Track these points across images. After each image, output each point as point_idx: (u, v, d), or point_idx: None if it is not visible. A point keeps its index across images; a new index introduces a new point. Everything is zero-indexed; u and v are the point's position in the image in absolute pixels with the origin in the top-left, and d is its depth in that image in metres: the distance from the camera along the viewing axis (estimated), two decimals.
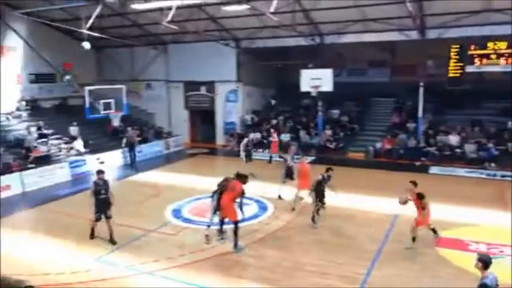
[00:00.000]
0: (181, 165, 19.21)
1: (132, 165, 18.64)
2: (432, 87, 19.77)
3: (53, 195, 14.05)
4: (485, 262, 5.12)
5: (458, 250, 9.02)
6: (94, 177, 9.99)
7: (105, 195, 9.56)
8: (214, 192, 9.71)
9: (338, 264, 8.53)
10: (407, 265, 8.42)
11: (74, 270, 8.34)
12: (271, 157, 18.57)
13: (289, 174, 12.85)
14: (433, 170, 17.04)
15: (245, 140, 16.95)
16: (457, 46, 17.84)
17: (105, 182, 9.74)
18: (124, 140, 19.13)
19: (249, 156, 16.34)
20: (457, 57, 17.94)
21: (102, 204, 9.53)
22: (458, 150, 18.01)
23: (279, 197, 12.77)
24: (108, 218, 9.59)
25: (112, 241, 9.64)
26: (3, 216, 12.14)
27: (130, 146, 19.01)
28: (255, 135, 18.11)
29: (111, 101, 17.31)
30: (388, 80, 23.84)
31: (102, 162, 18.23)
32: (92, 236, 9.85)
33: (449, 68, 18.14)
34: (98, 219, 9.62)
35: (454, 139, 18.42)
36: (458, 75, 17.97)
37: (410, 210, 9.23)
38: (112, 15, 18.25)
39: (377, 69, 24.09)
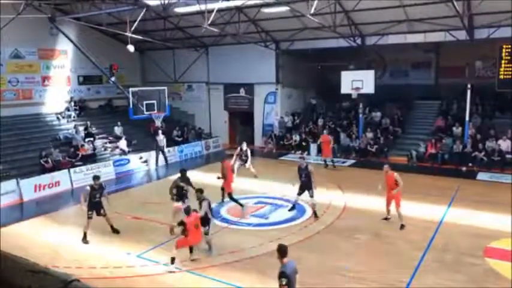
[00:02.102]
0: (220, 166, 19.34)
1: (163, 164, 19.08)
2: (481, 90, 18.81)
3: None
4: (282, 251, 5.43)
5: (509, 262, 8.49)
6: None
7: (99, 199, 10.15)
8: None
9: (378, 270, 8.32)
10: (452, 275, 8.07)
11: (117, 265, 8.67)
12: (325, 161, 17.76)
13: None
14: (481, 176, 16.21)
15: (237, 150, 15.61)
16: (509, 46, 16.92)
17: (101, 186, 10.31)
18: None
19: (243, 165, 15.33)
20: (508, 57, 17.01)
21: (95, 206, 10.11)
22: (509, 156, 17.05)
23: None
24: (103, 215, 10.22)
25: (114, 230, 10.37)
26: (55, 210, 12.84)
27: (161, 150, 19.17)
28: (245, 145, 15.66)
29: (154, 102, 17.80)
30: (433, 82, 23.01)
31: (145, 161, 18.85)
32: (85, 237, 9.97)
33: (500, 69, 17.25)
34: (89, 217, 10.02)
35: (504, 144, 17.46)
36: (510, 76, 17.03)
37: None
38: (155, 19, 18.77)
39: (420, 70, 23.29)
